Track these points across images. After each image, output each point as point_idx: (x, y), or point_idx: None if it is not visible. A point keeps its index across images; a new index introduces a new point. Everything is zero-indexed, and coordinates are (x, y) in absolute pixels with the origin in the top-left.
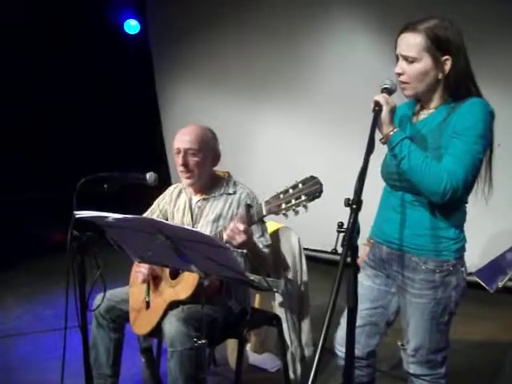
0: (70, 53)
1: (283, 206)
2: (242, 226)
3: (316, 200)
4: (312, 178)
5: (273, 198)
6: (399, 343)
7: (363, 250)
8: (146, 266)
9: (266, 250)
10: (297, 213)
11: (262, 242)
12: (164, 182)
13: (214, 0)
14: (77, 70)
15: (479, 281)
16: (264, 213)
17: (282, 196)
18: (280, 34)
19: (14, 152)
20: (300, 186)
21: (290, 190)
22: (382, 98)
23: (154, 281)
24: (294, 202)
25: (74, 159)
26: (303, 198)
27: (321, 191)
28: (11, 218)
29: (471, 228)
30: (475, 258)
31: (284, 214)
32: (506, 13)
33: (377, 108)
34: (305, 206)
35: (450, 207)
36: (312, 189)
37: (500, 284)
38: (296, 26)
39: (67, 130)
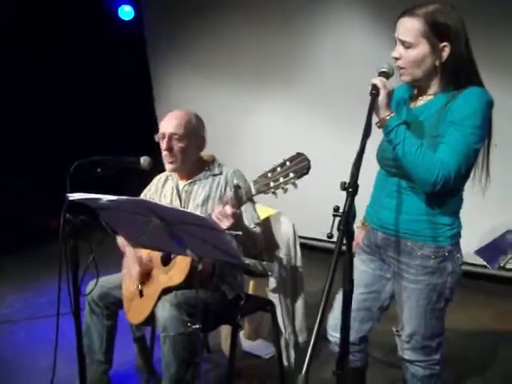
0: (64, 39)
1: (272, 184)
2: (229, 210)
3: (311, 185)
4: (299, 154)
5: (261, 177)
6: (394, 329)
7: (358, 233)
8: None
9: (257, 229)
10: (285, 191)
11: (253, 221)
12: (160, 168)
13: None
14: (71, 57)
15: (480, 258)
16: (253, 192)
17: (269, 175)
18: (276, 23)
19: (7, 137)
20: (288, 163)
21: (278, 169)
22: (379, 81)
23: (146, 268)
24: (282, 180)
25: (68, 147)
26: (291, 175)
27: (309, 167)
28: (2, 205)
29: (468, 219)
30: (472, 248)
31: (273, 193)
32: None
33: (374, 91)
34: (293, 184)
35: (446, 194)
36: (300, 165)
37: (502, 263)
38: (292, 14)
39: (60, 116)
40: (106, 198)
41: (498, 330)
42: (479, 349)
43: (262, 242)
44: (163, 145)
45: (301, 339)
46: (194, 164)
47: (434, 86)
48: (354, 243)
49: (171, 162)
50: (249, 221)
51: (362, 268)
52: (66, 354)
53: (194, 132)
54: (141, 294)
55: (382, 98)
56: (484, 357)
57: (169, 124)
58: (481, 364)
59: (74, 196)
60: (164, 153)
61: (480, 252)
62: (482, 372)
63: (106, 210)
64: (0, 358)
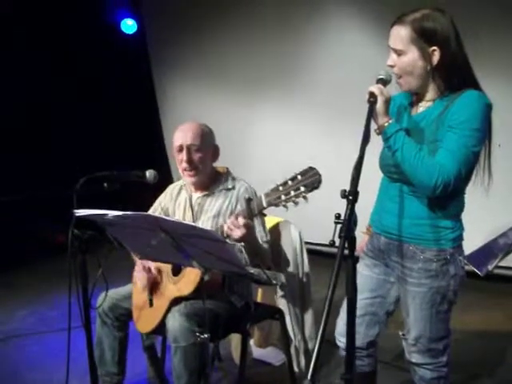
0: (68, 53)
1: (283, 197)
2: (242, 221)
3: (316, 192)
4: (311, 168)
5: (272, 191)
6: (400, 333)
7: (362, 239)
8: (145, 273)
9: (265, 246)
10: (296, 204)
11: (261, 238)
12: (165, 180)
13: None
14: (74, 70)
15: (469, 265)
16: (264, 205)
17: (281, 188)
18: (277, 32)
19: (13, 151)
20: (299, 177)
21: (289, 182)
22: (376, 88)
23: (155, 281)
24: (293, 193)
25: (74, 160)
26: (302, 189)
27: (320, 181)
28: (12, 219)
29: (471, 221)
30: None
31: (284, 206)
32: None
33: (372, 99)
34: (304, 197)
35: (448, 197)
36: (311, 180)
37: (490, 267)
38: (292, 23)
39: (65, 130)
40: (111, 213)
41: (509, 330)
42: (489, 350)
43: (269, 258)
44: (183, 157)
45: (311, 346)
46: (210, 175)
47: (431, 92)
48: (359, 248)
49: (193, 175)
50: (258, 236)
51: (367, 273)
52: (78, 367)
53: (209, 142)
54: (151, 303)
55: (379, 105)
56: (494, 358)
57: (185, 136)
58: (491, 366)
59: (81, 212)
60: (184, 165)
61: (470, 258)
62: (492, 374)
63: (112, 224)
64: (13, 372)
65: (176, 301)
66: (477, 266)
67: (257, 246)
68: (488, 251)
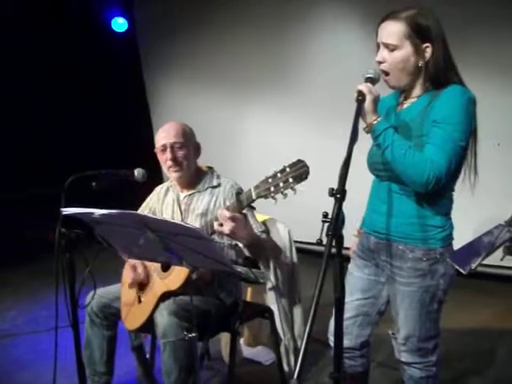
0: (58, 52)
1: (272, 189)
2: (227, 213)
3: (305, 190)
4: (299, 161)
5: (261, 183)
6: (390, 332)
7: (354, 241)
8: (132, 272)
9: (264, 236)
10: (285, 196)
11: (257, 229)
12: (157, 179)
13: None
14: (64, 69)
15: (452, 263)
16: (253, 197)
17: (270, 180)
18: (267, 32)
19: (4, 150)
20: (287, 169)
21: (278, 174)
22: (365, 87)
23: (142, 280)
24: (282, 184)
25: (63, 159)
26: (291, 180)
27: (307, 173)
28: (1, 219)
29: (465, 216)
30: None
31: (273, 197)
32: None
33: (360, 97)
34: (293, 189)
35: (437, 195)
36: (299, 171)
37: (473, 266)
38: (283, 22)
39: (55, 129)
40: (98, 212)
41: (498, 329)
42: (478, 348)
43: (271, 248)
44: (167, 155)
45: (300, 344)
46: (195, 173)
47: (418, 88)
48: (350, 251)
49: (177, 170)
50: (255, 227)
51: (358, 274)
52: (66, 367)
53: (191, 139)
54: (139, 300)
55: (368, 103)
56: (483, 356)
57: (168, 135)
58: (480, 364)
59: (68, 210)
60: (169, 163)
61: (453, 256)
62: (481, 372)
63: (100, 223)
64: (2, 371)
65: (164, 296)
66: (460, 265)
67: (257, 239)
68: (472, 249)
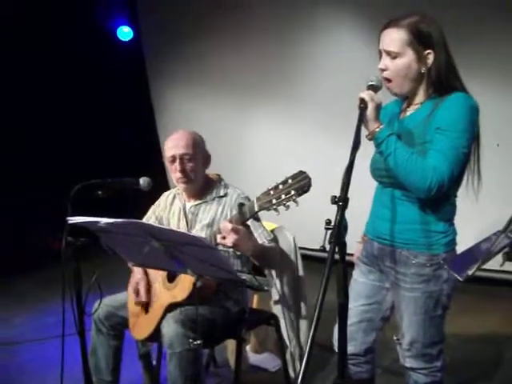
0: (64, 60)
1: (274, 201)
2: (229, 225)
3: (310, 197)
4: (301, 172)
5: (263, 195)
6: (395, 337)
7: (357, 248)
8: (138, 294)
9: (272, 244)
10: (287, 207)
11: (265, 238)
12: (162, 186)
13: (206, 4)
14: (71, 78)
15: (449, 270)
16: (256, 209)
17: (272, 192)
18: (271, 39)
19: (11, 157)
20: (289, 181)
21: (280, 186)
22: (367, 95)
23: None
24: (284, 197)
25: (70, 167)
26: (293, 192)
27: (309, 185)
28: (9, 226)
29: (469, 222)
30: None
31: (275, 210)
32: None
33: (362, 105)
34: (295, 201)
35: (440, 201)
36: (301, 183)
37: (470, 272)
38: (287, 30)
39: (61, 137)
40: (104, 220)
41: (504, 334)
42: (484, 354)
43: (280, 256)
44: (177, 167)
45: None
46: (203, 182)
47: (420, 95)
48: (354, 257)
49: (186, 181)
50: (261, 238)
51: (362, 280)
52: (73, 374)
53: (200, 150)
54: (146, 310)
55: (370, 111)
56: (489, 362)
57: (177, 146)
58: (486, 370)
59: (74, 219)
60: (178, 175)
61: (450, 264)
62: (488, 378)
63: (106, 232)
64: (8, 379)
65: (171, 307)
66: (457, 271)
67: (263, 249)
68: (470, 256)
